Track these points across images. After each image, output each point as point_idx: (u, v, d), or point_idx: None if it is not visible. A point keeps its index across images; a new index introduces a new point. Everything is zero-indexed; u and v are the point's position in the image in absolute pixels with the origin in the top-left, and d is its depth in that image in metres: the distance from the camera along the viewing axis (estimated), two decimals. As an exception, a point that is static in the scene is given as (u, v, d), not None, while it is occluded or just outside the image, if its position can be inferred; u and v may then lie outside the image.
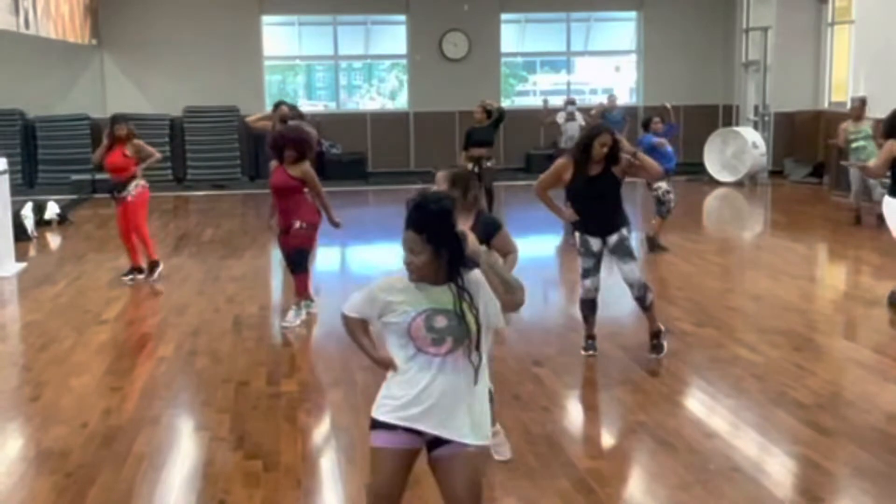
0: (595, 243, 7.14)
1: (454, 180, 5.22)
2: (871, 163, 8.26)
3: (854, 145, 13.04)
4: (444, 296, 3.48)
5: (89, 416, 6.10)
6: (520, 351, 7.48)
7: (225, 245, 12.30)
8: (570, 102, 16.01)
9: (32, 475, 5.30)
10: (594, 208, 7.10)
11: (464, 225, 3.95)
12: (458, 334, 3.48)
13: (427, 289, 3.50)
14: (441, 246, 3.44)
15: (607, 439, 5.83)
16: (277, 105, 11.70)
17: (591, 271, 7.20)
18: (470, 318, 3.49)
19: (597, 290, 7.25)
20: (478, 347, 3.52)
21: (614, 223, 7.10)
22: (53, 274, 10.53)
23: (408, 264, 3.48)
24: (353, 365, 7.04)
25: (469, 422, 3.51)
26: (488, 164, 12.64)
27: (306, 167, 8.13)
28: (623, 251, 7.10)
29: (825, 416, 5.95)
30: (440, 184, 5.23)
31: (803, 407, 6.09)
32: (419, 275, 3.48)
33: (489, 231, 5.15)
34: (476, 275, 3.52)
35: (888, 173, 8.36)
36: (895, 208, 8.35)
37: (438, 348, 3.48)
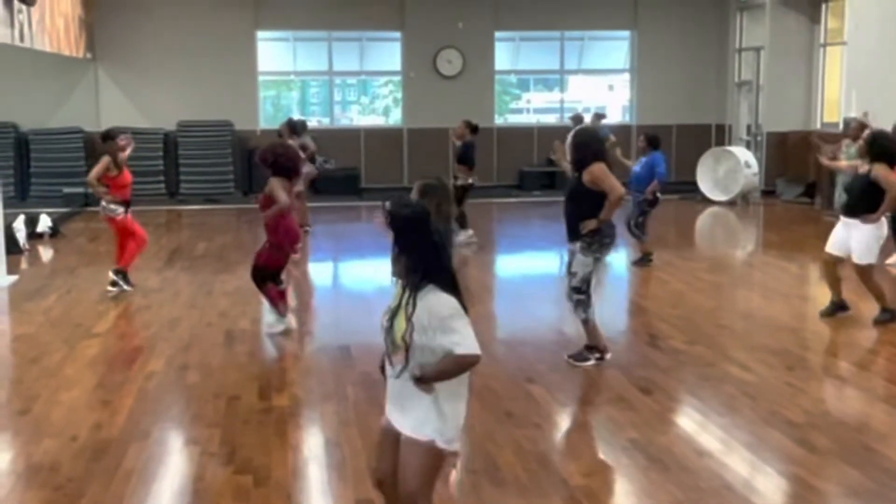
0: (568, 245, 7.41)
1: (423, 191, 5.36)
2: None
3: (845, 161, 13.11)
4: (398, 298, 3.71)
5: (79, 429, 6.07)
6: (512, 367, 7.48)
7: (218, 259, 12.28)
8: (578, 120, 16.18)
9: (22, 489, 5.26)
10: (565, 207, 7.41)
11: None
12: (390, 336, 3.70)
13: (397, 287, 3.75)
14: (404, 250, 3.64)
15: (599, 457, 5.82)
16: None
17: (568, 272, 7.47)
18: (399, 326, 3.63)
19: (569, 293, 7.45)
20: (405, 353, 3.64)
21: (573, 230, 7.25)
22: (45, 287, 10.50)
23: (391, 260, 3.75)
24: (345, 379, 7.05)
25: (413, 418, 3.72)
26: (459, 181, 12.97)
27: (272, 184, 8.23)
28: (568, 265, 7.39)
29: (817, 435, 5.94)
30: (413, 194, 5.38)
31: (795, 426, 6.09)
32: (396, 271, 3.72)
33: None
34: (440, 303, 3.60)
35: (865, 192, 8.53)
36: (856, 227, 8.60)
37: (386, 350, 3.77)
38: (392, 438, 3.84)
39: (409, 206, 3.69)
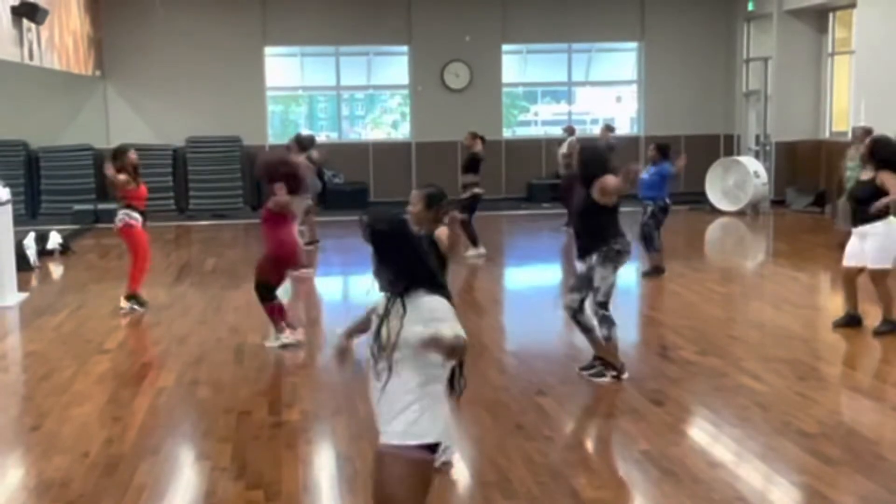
0: (577, 262, 7.34)
1: (429, 201, 5.42)
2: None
3: (848, 173, 13.13)
4: (382, 307, 3.68)
5: (90, 445, 6.08)
6: (522, 380, 7.46)
7: (227, 275, 12.29)
8: (570, 131, 16.23)
9: (33, 505, 5.27)
10: (575, 223, 7.47)
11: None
12: (377, 341, 3.63)
13: (386, 298, 3.70)
14: (386, 262, 3.63)
15: (611, 469, 5.79)
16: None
17: (572, 288, 7.43)
18: (385, 330, 3.60)
19: (569, 308, 7.38)
20: (389, 361, 3.58)
21: (584, 245, 7.25)
22: (55, 304, 10.52)
23: (373, 274, 3.71)
24: (356, 394, 7.01)
25: (401, 423, 3.60)
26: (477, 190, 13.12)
27: (277, 197, 8.28)
28: (578, 282, 7.32)
29: (830, 445, 5.91)
30: (415, 203, 5.41)
31: (808, 436, 6.05)
32: (380, 284, 3.69)
33: None
34: (433, 304, 3.59)
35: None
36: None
37: (371, 356, 3.67)
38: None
39: (387, 219, 3.69)
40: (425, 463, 3.64)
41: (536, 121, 22.17)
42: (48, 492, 5.40)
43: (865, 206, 8.54)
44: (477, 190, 13.13)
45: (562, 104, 21.59)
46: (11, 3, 12.17)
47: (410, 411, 3.59)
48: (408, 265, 3.62)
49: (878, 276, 8.57)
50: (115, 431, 6.37)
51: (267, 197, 8.59)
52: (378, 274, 3.68)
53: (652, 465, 5.63)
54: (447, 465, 5.50)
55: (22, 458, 6.08)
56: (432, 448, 3.65)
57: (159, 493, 5.37)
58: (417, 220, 5.37)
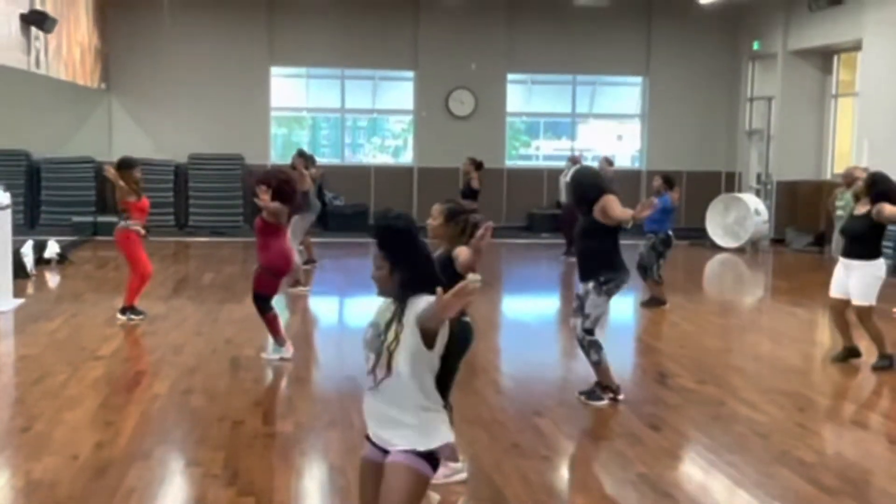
0: (580, 283, 7.32)
1: (450, 215, 5.39)
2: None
3: (839, 212, 13.13)
4: (388, 311, 3.62)
5: (81, 448, 6.00)
6: (520, 401, 7.42)
7: (224, 289, 12.23)
8: (575, 161, 16.26)
9: (20, 504, 5.19)
10: (577, 245, 7.45)
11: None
12: (375, 347, 3.58)
13: (385, 302, 3.67)
14: (397, 263, 3.59)
15: (607, 490, 5.72)
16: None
17: (576, 310, 7.37)
18: (391, 333, 3.55)
19: (575, 328, 7.35)
20: (388, 364, 3.53)
21: (584, 268, 7.23)
22: (50, 311, 10.45)
23: (372, 277, 3.65)
24: (351, 407, 6.95)
25: (403, 433, 3.55)
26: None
27: (267, 204, 8.23)
28: (580, 304, 7.26)
29: (828, 474, 5.85)
30: (435, 216, 5.37)
31: (806, 465, 5.99)
32: (380, 288, 3.66)
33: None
34: (427, 299, 3.52)
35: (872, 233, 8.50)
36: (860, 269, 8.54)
37: (367, 364, 3.62)
38: (375, 468, 3.65)
39: (398, 219, 3.67)
40: (427, 479, 3.61)
41: (538, 155, 22.17)
42: (36, 492, 5.33)
43: (858, 241, 8.53)
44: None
45: (563, 140, 21.61)
46: (21, 11, 12.22)
47: (419, 416, 3.56)
48: (413, 268, 3.58)
49: (863, 314, 8.56)
50: (107, 436, 6.30)
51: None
52: (378, 277, 3.64)
53: (648, 488, 5.57)
54: (462, 482, 5.49)
55: (11, 458, 5.99)
56: (435, 463, 3.61)
57: (149, 497, 5.30)
58: (436, 233, 5.32)
